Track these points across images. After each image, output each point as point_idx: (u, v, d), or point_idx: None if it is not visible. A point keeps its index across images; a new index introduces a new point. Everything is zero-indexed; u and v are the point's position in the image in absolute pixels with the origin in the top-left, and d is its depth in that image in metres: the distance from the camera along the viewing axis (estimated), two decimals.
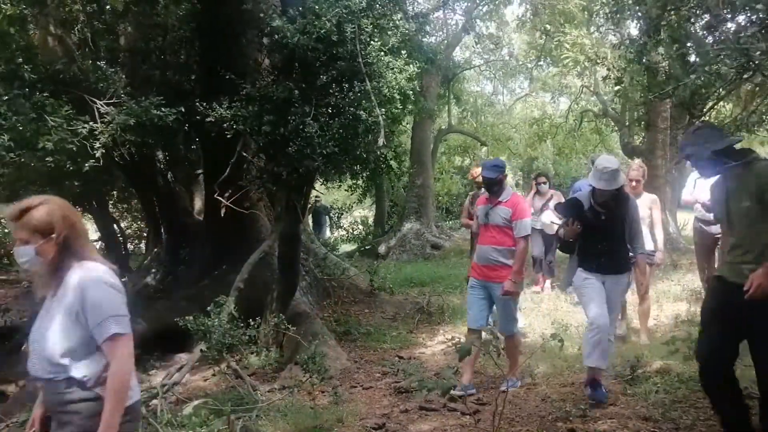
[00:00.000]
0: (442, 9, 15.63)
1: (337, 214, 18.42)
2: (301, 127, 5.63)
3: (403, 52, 7.07)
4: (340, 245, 16.61)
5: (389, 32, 6.63)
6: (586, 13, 12.86)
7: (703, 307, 3.51)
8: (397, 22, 6.76)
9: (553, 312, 7.38)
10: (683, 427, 3.89)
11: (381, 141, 6.20)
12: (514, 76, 23.82)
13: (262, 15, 6.12)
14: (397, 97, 6.60)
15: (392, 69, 6.51)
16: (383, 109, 6.28)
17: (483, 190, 6.10)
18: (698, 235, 6.43)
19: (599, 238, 4.52)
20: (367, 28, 6.02)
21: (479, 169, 6.18)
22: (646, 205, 5.93)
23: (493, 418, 3.84)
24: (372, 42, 6.11)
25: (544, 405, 4.53)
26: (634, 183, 5.92)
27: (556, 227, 8.02)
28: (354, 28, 5.78)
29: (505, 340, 4.99)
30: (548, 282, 8.75)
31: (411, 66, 7.09)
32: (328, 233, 17.35)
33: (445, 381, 3.70)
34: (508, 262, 4.85)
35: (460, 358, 5.68)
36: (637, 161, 6.87)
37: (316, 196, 13.94)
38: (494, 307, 5.02)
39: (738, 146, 3.40)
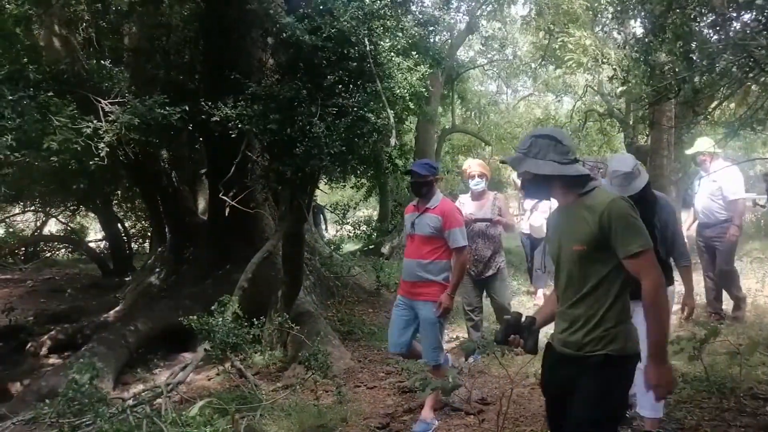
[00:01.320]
0: (446, 9, 15.60)
1: (341, 213, 18.43)
2: (308, 127, 5.63)
3: (414, 53, 7.08)
4: (345, 244, 16.61)
5: (398, 34, 6.65)
6: (590, 12, 12.82)
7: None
8: (406, 24, 6.77)
9: None
10: (688, 427, 3.88)
11: (393, 141, 6.23)
12: (518, 76, 23.79)
13: (267, 14, 6.12)
14: (408, 96, 6.60)
15: (402, 69, 6.52)
16: (392, 111, 6.29)
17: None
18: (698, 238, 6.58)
19: None
20: (377, 29, 6.03)
21: (473, 162, 6.09)
22: None
23: (498, 418, 3.84)
24: (381, 43, 6.13)
25: None
26: None
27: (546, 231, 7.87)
28: (365, 29, 5.79)
29: (431, 370, 4.34)
30: (540, 292, 8.20)
31: (422, 66, 7.10)
32: (324, 232, 17.37)
33: (449, 381, 3.69)
34: (435, 278, 4.32)
35: (466, 356, 5.71)
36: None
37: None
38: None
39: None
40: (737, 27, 4.45)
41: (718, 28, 4.52)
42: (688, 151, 6.68)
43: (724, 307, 6.61)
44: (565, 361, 2.53)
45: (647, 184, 3.79)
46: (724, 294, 6.59)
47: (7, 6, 6.28)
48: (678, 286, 4.23)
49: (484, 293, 6.15)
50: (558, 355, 2.57)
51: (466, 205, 5.89)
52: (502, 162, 2.56)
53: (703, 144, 6.31)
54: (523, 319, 2.61)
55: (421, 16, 8.85)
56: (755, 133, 6.15)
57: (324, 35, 5.66)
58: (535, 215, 7.87)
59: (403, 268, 4.47)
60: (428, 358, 4.33)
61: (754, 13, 4.36)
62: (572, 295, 2.48)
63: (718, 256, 6.37)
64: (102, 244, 15.84)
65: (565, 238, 2.50)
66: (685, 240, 3.91)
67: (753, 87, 5.70)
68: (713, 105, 6.14)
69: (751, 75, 4.42)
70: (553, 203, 2.68)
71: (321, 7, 5.92)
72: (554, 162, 2.45)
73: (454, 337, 6.76)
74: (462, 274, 4.42)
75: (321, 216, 17.60)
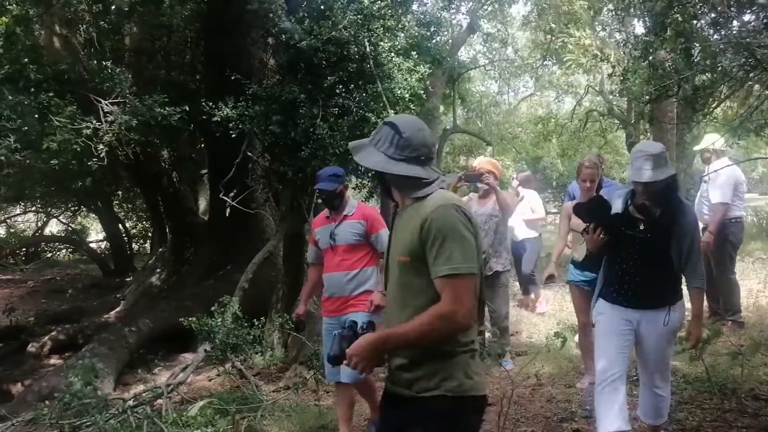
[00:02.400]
0: (447, 9, 15.62)
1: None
2: (311, 129, 5.62)
3: (414, 53, 7.06)
4: None
5: (399, 34, 6.63)
6: (591, 11, 12.82)
7: None
8: (406, 24, 6.76)
9: (558, 312, 7.35)
10: (689, 428, 3.86)
11: None
12: (520, 76, 23.78)
13: (268, 15, 6.12)
14: (408, 97, 6.57)
15: (402, 70, 6.50)
16: (392, 111, 6.27)
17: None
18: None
19: (633, 256, 3.34)
20: (378, 30, 6.02)
21: (483, 161, 5.80)
22: None
23: (498, 418, 3.82)
24: (382, 43, 6.11)
25: (550, 406, 4.51)
26: (588, 184, 4.53)
27: (521, 234, 7.30)
28: (365, 30, 5.78)
29: (341, 389, 4.02)
30: (542, 302, 7.57)
31: (422, 67, 7.07)
32: None
33: None
34: (368, 287, 3.97)
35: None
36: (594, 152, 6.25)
37: None
38: None
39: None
40: (738, 26, 4.44)
41: (719, 26, 4.51)
42: (696, 147, 6.46)
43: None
44: (394, 403, 2.07)
45: (673, 184, 3.29)
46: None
47: (8, 6, 6.28)
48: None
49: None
50: (388, 395, 2.11)
51: (471, 202, 5.74)
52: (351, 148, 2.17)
53: (710, 140, 5.98)
54: (359, 326, 2.12)
55: (422, 16, 8.86)
56: (757, 135, 6.06)
57: (324, 38, 5.66)
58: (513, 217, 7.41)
59: (327, 286, 4.05)
60: (351, 378, 3.81)
61: (756, 11, 4.35)
62: (398, 313, 2.05)
63: (715, 264, 6.05)
64: (103, 245, 15.87)
65: (393, 246, 2.13)
66: (702, 259, 3.36)
67: (755, 87, 5.66)
68: (714, 104, 6.07)
69: (752, 74, 4.41)
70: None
71: (322, 8, 5.92)
72: (384, 155, 2.06)
73: None
74: None
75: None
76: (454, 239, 1.92)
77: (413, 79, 6.70)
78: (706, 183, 5.85)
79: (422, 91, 7.28)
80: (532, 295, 7.58)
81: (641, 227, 3.30)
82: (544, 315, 7.31)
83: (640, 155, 3.20)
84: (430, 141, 2.12)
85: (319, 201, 4.19)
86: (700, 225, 5.89)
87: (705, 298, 6.41)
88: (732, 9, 4.33)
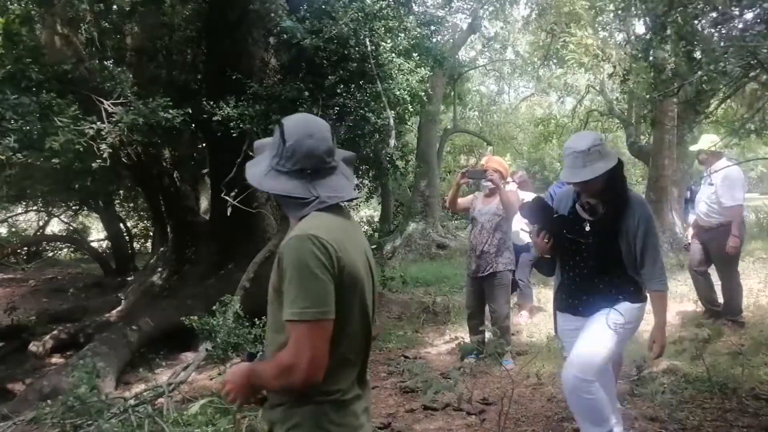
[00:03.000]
0: (448, 9, 15.63)
1: None
2: None
3: (415, 54, 7.06)
4: None
5: (400, 34, 6.63)
6: (592, 11, 12.82)
7: None
8: (408, 24, 6.76)
9: None
10: (690, 427, 3.87)
11: (392, 143, 6.19)
12: (520, 76, 23.79)
13: (269, 15, 6.13)
14: (408, 98, 6.57)
15: (403, 71, 6.50)
16: (393, 111, 6.28)
17: (486, 189, 5.80)
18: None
19: (578, 259, 3.07)
20: (379, 30, 6.02)
21: (491, 159, 5.75)
22: None
23: (499, 418, 3.84)
24: (383, 43, 6.12)
25: (550, 405, 4.51)
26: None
27: (526, 237, 6.67)
28: (366, 30, 5.78)
29: None
30: (525, 313, 7.17)
31: (423, 68, 7.06)
32: None
33: (451, 381, 3.69)
34: None
35: (462, 356, 5.68)
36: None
37: None
38: None
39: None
40: (740, 26, 4.44)
41: (720, 27, 4.51)
42: (693, 147, 6.30)
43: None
44: None
45: (614, 177, 2.96)
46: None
47: (10, 6, 6.29)
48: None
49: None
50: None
51: (476, 201, 5.73)
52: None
53: (707, 141, 5.92)
54: (258, 356, 1.93)
55: (423, 16, 8.86)
56: (758, 136, 6.05)
57: (325, 37, 5.66)
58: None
59: None
60: None
61: (758, 11, 4.35)
62: (269, 346, 1.83)
63: (719, 266, 6.09)
64: (104, 244, 15.87)
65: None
66: (663, 260, 3.03)
67: (755, 87, 5.66)
68: (715, 104, 6.07)
69: (752, 75, 4.42)
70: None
71: (323, 6, 5.92)
72: (268, 166, 1.81)
73: (454, 337, 6.77)
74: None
75: None
76: (302, 278, 1.64)
77: (414, 80, 6.71)
78: (713, 185, 5.78)
79: (423, 93, 7.28)
80: (515, 299, 7.18)
81: (587, 228, 3.03)
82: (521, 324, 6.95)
83: (569, 153, 2.95)
84: (322, 149, 1.80)
85: None
86: (708, 225, 5.92)
87: (700, 299, 6.42)
88: (733, 9, 4.33)
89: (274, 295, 1.76)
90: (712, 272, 6.36)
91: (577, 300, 3.10)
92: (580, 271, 3.08)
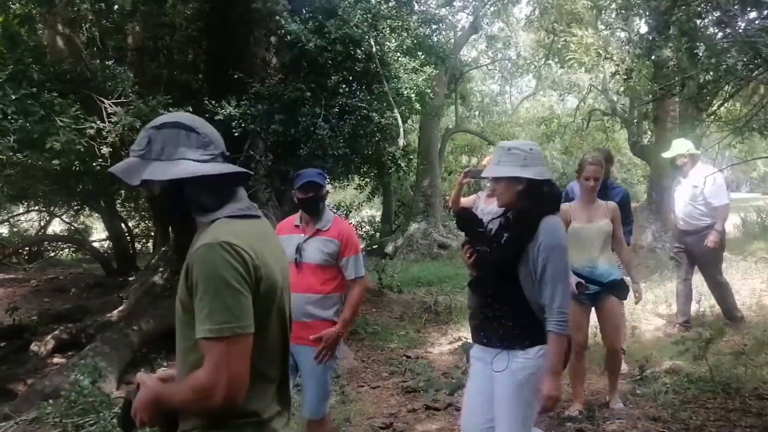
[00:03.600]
0: (450, 8, 15.64)
1: (345, 213, 18.53)
2: (312, 128, 5.61)
3: (419, 53, 7.06)
4: None
5: (403, 33, 6.63)
6: (594, 11, 12.79)
7: None
8: (411, 23, 6.75)
9: None
10: (693, 427, 3.85)
11: (401, 142, 6.18)
12: (522, 75, 23.79)
13: (272, 15, 6.12)
14: (414, 97, 6.56)
15: (408, 70, 6.50)
16: (398, 110, 6.27)
17: (489, 191, 5.78)
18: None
19: (482, 280, 2.76)
20: (384, 30, 6.01)
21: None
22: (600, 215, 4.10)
23: None
24: (387, 43, 6.11)
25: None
26: (591, 183, 4.08)
27: None
28: (372, 30, 5.78)
29: (309, 425, 3.50)
30: None
31: (428, 67, 7.06)
32: None
33: (453, 381, 3.68)
34: (327, 316, 3.38)
35: (467, 357, 5.67)
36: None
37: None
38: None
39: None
40: (743, 24, 4.42)
41: (723, 25, 4.49)
42: (666, 155, 6.15)
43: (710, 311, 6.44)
44: None
45: (531, 194, 2.59)
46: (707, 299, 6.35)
47: (11, 6, 6.29)
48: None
49: None
50: None
51: (479, 200, 5.71)
52: (111, 175, 1.66)
53: (680, 146, 5.92)
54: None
55: (425, 15, 8.86)
56: (761, 135, 6.02)
57: (331, 37, 5.65)
58: None
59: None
60: (313, 413, 3.44)
61: (761, 10, 4.34)
62: (180, 366, 1.67)
63: (703, 268, 6.06)
64: (105, 244, 15.87)
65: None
66: (567, 300, 2.54)
67: (760, 86, 5.64)
68: (718, 103, 6.04)
69: (756, 73, 4.40)
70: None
71: (327, 6, 5.91)
72: (190, 160, 1.63)
73: (457, 337, 6.76)
74: (358, 308, 3.48)
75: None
76: (216, 290, 1.49)
77: (420, 79, 6.71)
78: (697, 187, 5.75)
79: (429, 90, 7.28)
80: None
81: (494, 244, 2.70)
82: None
83: (497, 148, 2.70)
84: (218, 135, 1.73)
85: (299, 199, 3.40)
86: (693, 228, 5.85)
87: (677, 305, 6.23)
88: (736, 7, 4.31)
89: (182, 310, 1.60)
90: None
91: (479, 326, 2.77)
92: (481, 294, 2.77)
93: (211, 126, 1.72)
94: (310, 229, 3.41)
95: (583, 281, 3.94)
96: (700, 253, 5.92)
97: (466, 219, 2.97)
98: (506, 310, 2.62)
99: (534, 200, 2.60)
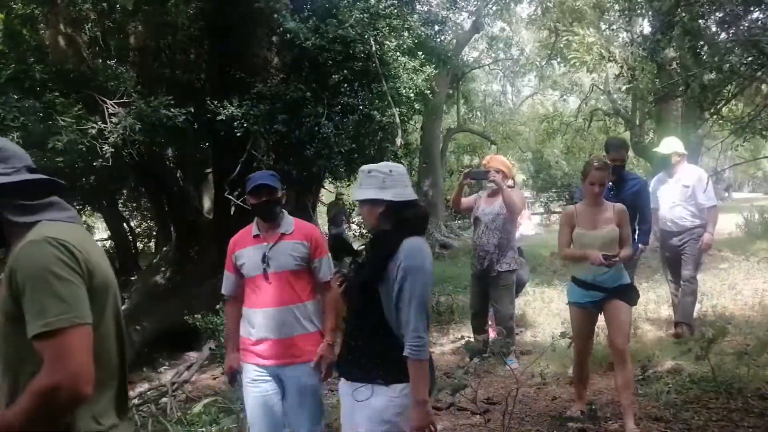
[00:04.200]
0: (452, 8, 15.64)
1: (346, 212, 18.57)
2: (316, 128, 5.61)
3: (420, 53, 7.06)
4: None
5: (404, 33, 6.62)
6: (597, 10, 12.79)
7: None
8: (412, 23, 6.75)
9: (564, 311, 7.32)
10: (695, 427, 3.85)
11: (399, 141, 6.18)
12: (524, 75, 23.79)
13: (273, 14, 6.12)
14: (413, 96, 6.57)
15: (408, 69, 6.49)
16: (397, 110, 6.27)
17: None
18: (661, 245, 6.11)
19: (350, 306, 2.63)
20: (383, 29, 6.01)
21: (495, 158, 5.62)
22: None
23: (503, 417, 3.82)
24: (387, 42, 6.11)
25: (554, 404, 4.50)
26: (597, 189, 3.85)
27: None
28: (371, 30, 5.78)
29: None
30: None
31: (428, 67, 7.05)
32: (347, 232, 17.49)
33: (456, 381, 3.67)
34: (311, 327, 3.12)
35: (470, 357, 5.65)
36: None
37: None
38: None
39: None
40: (746, 24, 4.42)
41: (727, 25, 4.49)
42: (663, 151, 5.90)
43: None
44: None
45: (392, 217, 2.48)
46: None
47: (14, 6, 6.29)
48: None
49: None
50: None
51: (480, 201, 5.68)
52: None
53: (674, 144, 5.79)
54: None
55: (427, 15, 8.86)
56: (762, 136, 5.98)
57: (330, 36, 5.65)
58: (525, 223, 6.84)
59: (256, 326, 3.07)
60: None
61: (764, 9, 4.33)
62: (6, 387, 1.52)
63: (685, 265, 5.75)
64: (108, 243, 15.89)
65: None
66: (425, 324, 2.35)
67: (763, 85, 5.62)
68: (722, 103, 6.00)
69: (760, 73, 4.39)
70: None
71: (327, 6, 5.92)
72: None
73: (460, 336, 6.75)
74: (338, 311, 3.16)
75: (342, 216, 17.69)
76: (48, 284, 1.40)
77: (419, 79, 6.70)
78: (688, 187, 5.64)
79: (428, 91, 7.27)
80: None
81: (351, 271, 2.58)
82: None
83: (359, 171, 2.59)
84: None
85: (252, 205, 3.18)
86: (680, 229, 5.68)
87: (674, 315, 6.03)
88: (739, 7, 4.31)
89: (6, 320, 1.47)
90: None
91: (341, 356, 2.61)
92: (349, 323, 2.61)
93: (12, 143, 1.65)
94: (272, 236, 3.14)
95: (606, 254, 3.76)
96: (690, 252, 5.72)
97: (338, 245, 2.73)
98: (370, 341, 2.45)
99: (395, 222, 2.49)
